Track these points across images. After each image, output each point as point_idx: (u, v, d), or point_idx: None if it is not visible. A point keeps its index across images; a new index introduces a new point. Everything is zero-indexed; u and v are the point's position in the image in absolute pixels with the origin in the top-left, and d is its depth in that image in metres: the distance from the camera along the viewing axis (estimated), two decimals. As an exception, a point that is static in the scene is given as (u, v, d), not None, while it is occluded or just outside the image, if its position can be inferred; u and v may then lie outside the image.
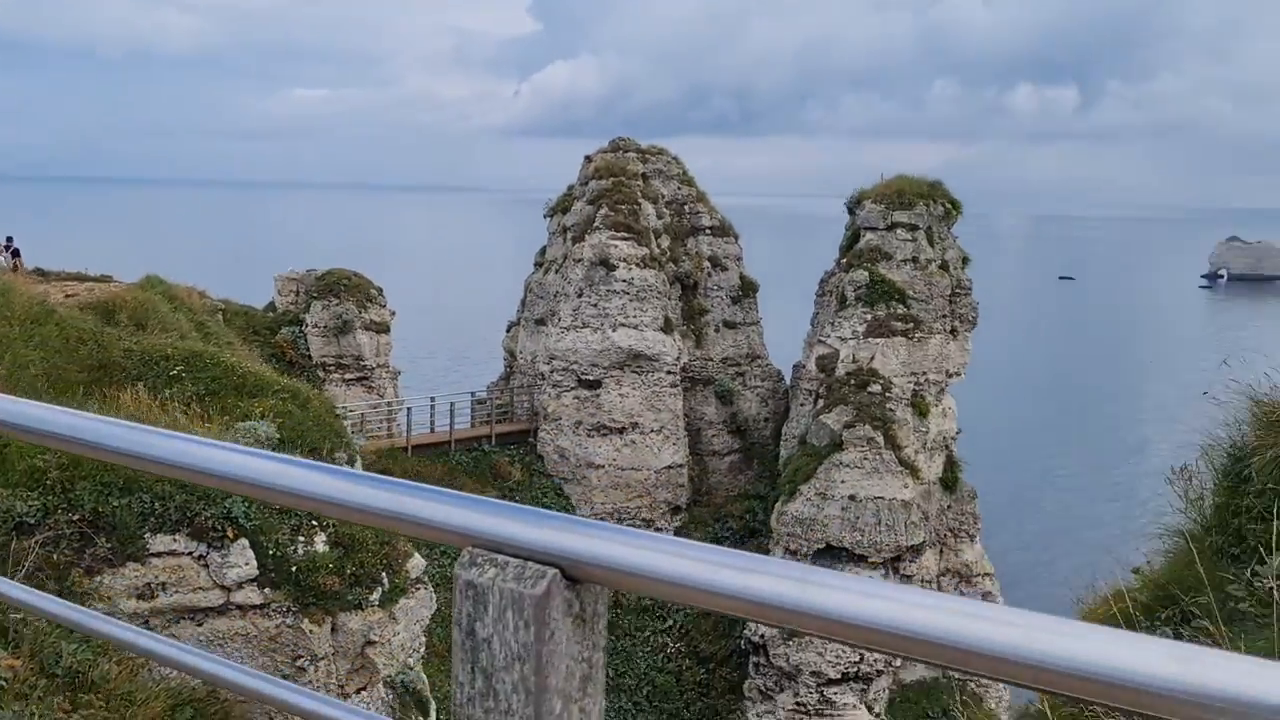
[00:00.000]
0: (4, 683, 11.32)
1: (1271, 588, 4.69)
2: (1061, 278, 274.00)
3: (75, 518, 13.94)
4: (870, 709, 37.24)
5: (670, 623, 40.46)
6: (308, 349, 40.73)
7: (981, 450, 56.78)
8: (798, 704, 36.89)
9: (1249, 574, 5.13)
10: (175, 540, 14.41)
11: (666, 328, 42.01)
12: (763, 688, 37.96)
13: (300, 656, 14.74)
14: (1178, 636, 5.27)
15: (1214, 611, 4.99)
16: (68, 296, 30.45)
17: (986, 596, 41.81)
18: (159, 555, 14.31)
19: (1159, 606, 5.51)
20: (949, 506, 42.06)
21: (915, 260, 40.80)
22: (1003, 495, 70.96)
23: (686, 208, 46.02)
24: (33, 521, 14.10)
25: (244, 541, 14.62)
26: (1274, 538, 4.72)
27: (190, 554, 14.50)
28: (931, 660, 1.15)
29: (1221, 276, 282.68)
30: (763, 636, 37.42)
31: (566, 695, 1.31)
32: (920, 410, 39.74)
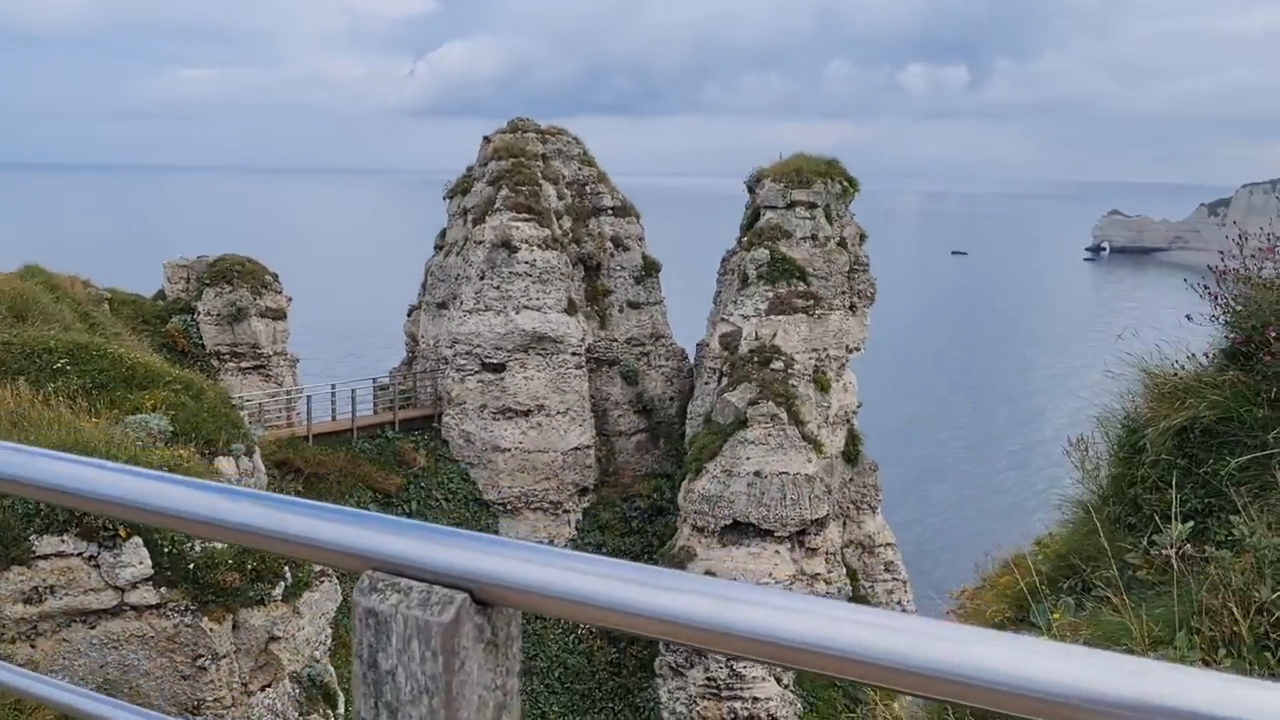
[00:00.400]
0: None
1: (1168, 555, 4.82)
2: (954, 253, 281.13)
3: (-46, 521, 13.29)
4: (779, 680, 37.84)
5: (580, 604, 40.44)
6: (200, 338, 39.54)
7: (881, 424, 58.04)
8: (708, 679, 37.28)
9: (1145, 543, 5.27)
10: (63, 541, 13.84)
11: (570, 309, 41.83)
12: (673, 664, 38.25)
13: (201, 656, 14.32)
14: (1079, 606, 5.39)
15: (1115, 581, 5.11)
16: (-61, 288, 28.99)
17: (889, 566, 42.82)
18: (46, 557, 13.72)
19: (1061, 576, 5.63)
20: (851, 479, 42.86)
21: (814, 238, 41.30)
22: (903, 467, 72.66)
23: (588, 188, 45.81)
24: (-93, 527, 13.40)
25: (137, 540, 14.11)
26: (1172, 507, 4.85)
27: (80, 555, 13.95)
28: (870, 682, 1.08)
29: (1104, 249, 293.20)
30: (672, 614, 37.65)
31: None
32: (822, 386, 40.32)
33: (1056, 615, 5.31)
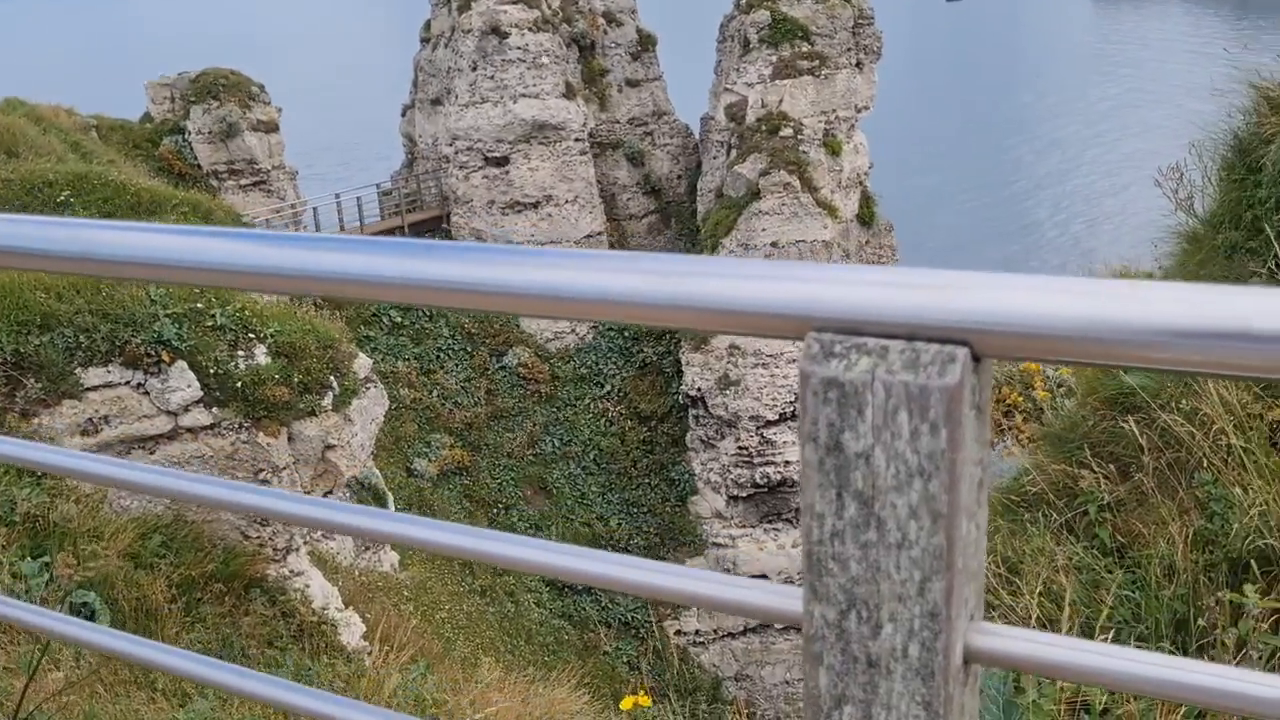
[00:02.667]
0: (-39, 537, 10.95)
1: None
2: (948, 0, 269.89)
3: (-3, 361, 13.22)
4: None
5: (608, 388, 41.08)
6: (195, 158, 38.60)
7: (892, 181, 57.21)
8: (740, 448, 38.22)
9: (1273, 265, 5.03)
10: (109, 371, 13.80)
11: (569, 94, 40.52)
12: (704, 438, 39.15)
13: (261, 470, 14.52)
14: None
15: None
16: (-77, 129, 28.09)
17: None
18: (95, 389, 13.72)
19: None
20: (867, 242, 42.54)
21: (816, -7, 39.44)
22: (918, 227, 72.14)
23: (573, -38, 43.50)
24: (-51, 371, 13.35)
25: (182, 364, 14.06)
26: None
27: (128, 383, 13.93)
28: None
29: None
30: (699, 390, 38.26)
31: (969, 510, 0.98)
32: (833, 150, 39.43)
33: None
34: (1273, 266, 5.22)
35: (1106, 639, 3.91)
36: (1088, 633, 4.22)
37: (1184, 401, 4.24)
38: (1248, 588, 3.10)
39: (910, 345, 0.96)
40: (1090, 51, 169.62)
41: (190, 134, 38.51)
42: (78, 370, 13.68)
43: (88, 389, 13.68)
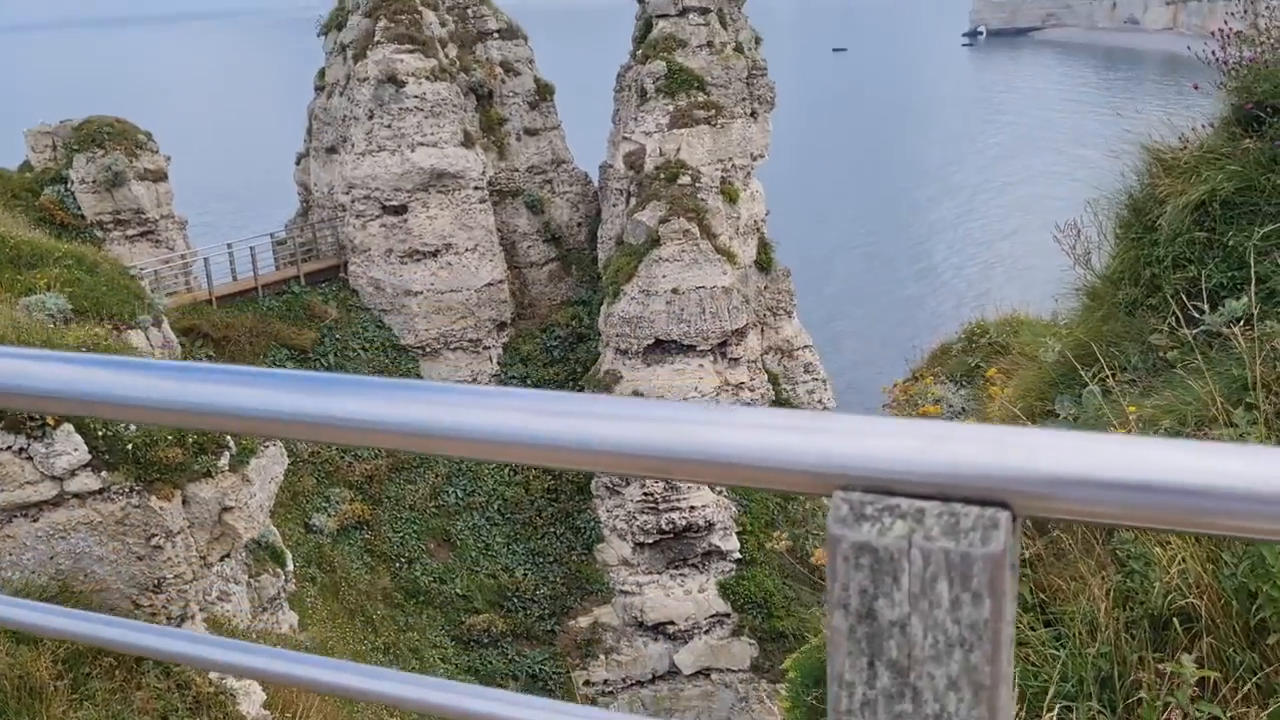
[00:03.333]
0: None
1: (1201, 334, 4.74)
2: (835, 49, 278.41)
3: None
4: (712, 487, 38.94)
5: (511, 437, 40.66)
6: (79, 208, 37.29)
7: (788, 229, 58.27)
8: (645, 494, 38.14)
9: (1169, 324, 5.21)
10: (-11, 437, 13.12)
11: (467, 142, 40.40)
12: (609, 484, 39.00)
13: (154, 535, 13.94)
14: (1105, 393, 5.34)
15: (1139, 364, 5.05)
16: None
17: (808, 368, 43.79)
18: (-27, 456, 13.02)
19: (1076, 364, 5.57)
20: (765, 287, 43.19)
21: (710, 45, 40.17)
22: (813, 270, 73.55)
23: (470, 11, 43.57)
24: None
25: (68, 427, 13.46)
26: (1200, 282, 4.74)
27: (9, 448, 13.27)
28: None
29: (980, 33, 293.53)
30: (604, 437, 38.14)
31: (1009, 678, 0.94)
32: (730, 197, 40.04)
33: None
34: (1172, 323, 5.40)
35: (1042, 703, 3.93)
36: (1019, 693, 4.24)
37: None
38: (1185, 658, 3.15)
39: (947, 508, 0.91)
40: (971, 97, 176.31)
41: (74, 183, 37.23)
42: (-46, 436, 12.99)
43: (-35, 456, 12.98)
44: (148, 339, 21.71)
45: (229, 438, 14.74)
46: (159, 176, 38.69)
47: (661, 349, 37.76)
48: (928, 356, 22.22)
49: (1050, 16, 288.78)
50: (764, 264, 42.89)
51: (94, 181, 37.18)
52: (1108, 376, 5.40)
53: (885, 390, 21.76)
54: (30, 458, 13.46)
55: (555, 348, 42.56)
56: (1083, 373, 5.49)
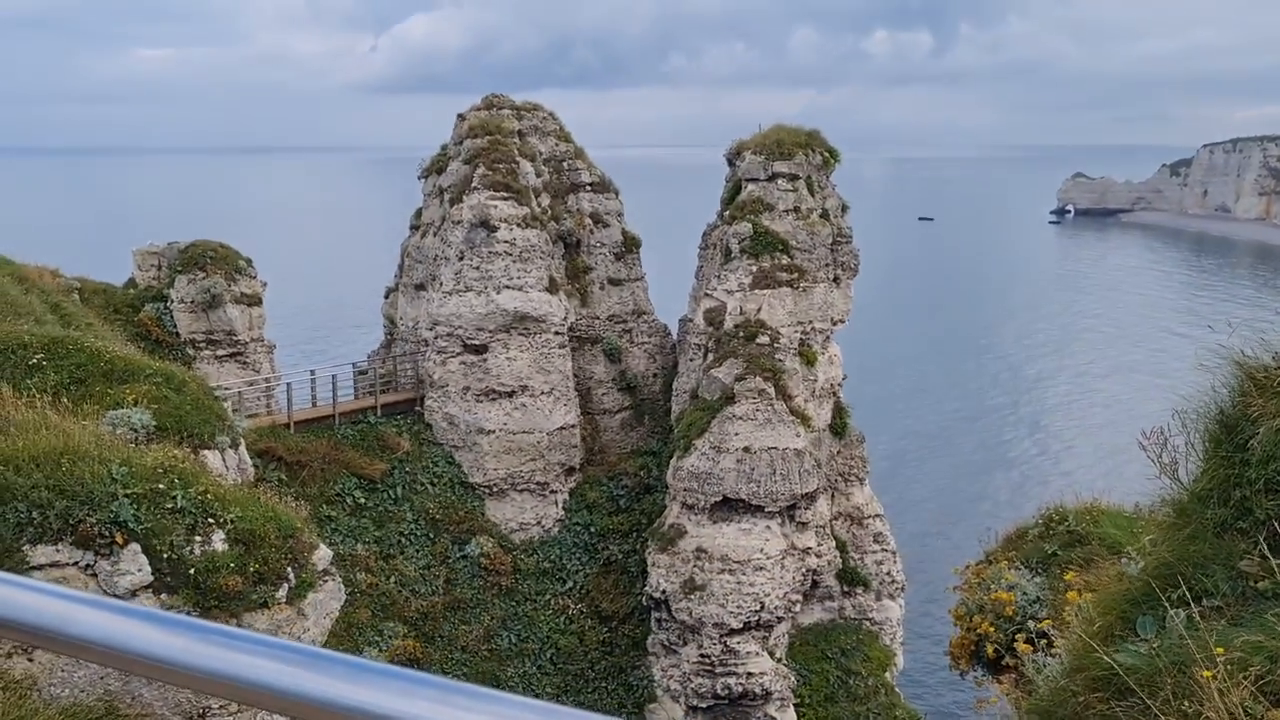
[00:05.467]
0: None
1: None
2: (921, 218, 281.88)
3: (-58, 534, 12.73)
4: (772, 654, 37.77)
5: (570, 584, 40.22)
6: (175, 326, 38.71)
7: (865, 395, 57.98)
8: (702, 655, 37.15)
9: (1260, 551, 4.96)
10: (58, 550, 13.30)
11: (551, 288, 41.29)
12: (666, 642, 38.11)
13: (204, 663, 13.83)
14: (1189, 621, 5.07)
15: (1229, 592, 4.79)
16: (-96, 283, 28.09)
17: (878, 537, 42.82)
18: (40, 568, 13.18)
19: (1166, 582, 5.32)
20: (838, 452, 42.72)
21: (797, 210, 40.91)
22: (890, 437, 72.71)
23: (565, 164, 45.14)
24: (-107, 541, 12.82)
25: (135, 546, 13.59)
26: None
27: (76, 564, 13.41)
28: None
29: (1069, 211, 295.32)
30: (664, 592, 37.49)
31: None
32: (808, 359, 40.08)
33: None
34: (1264, 550, 5.14)
35: None
36: None
37: (1185, 703, 4.06)
38: None
39: None
40: (1056, 274, 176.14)
41: (173, 302, 38.74)
42: (26, 547, 13.19)
43: (33, 567, 13.14)
44: (224, 460, 22.06)
45: (289, 570, 14.75)
46: (254, 301, 40.09)
47: (729, 507, 37.32)
48: (1002, 539, 21.58)
49: (1140, 200, 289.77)
50: (838, 428, 42.53)
51: (192, 302, 38.64)
52: (1192, 601, 5.14)
53: (957, 571, 21.12)
54: (95, 574, 13.58)
55: (622, 496, 42.33)
56: (1166, 597, 5.23)
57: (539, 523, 40.97)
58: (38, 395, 18.41)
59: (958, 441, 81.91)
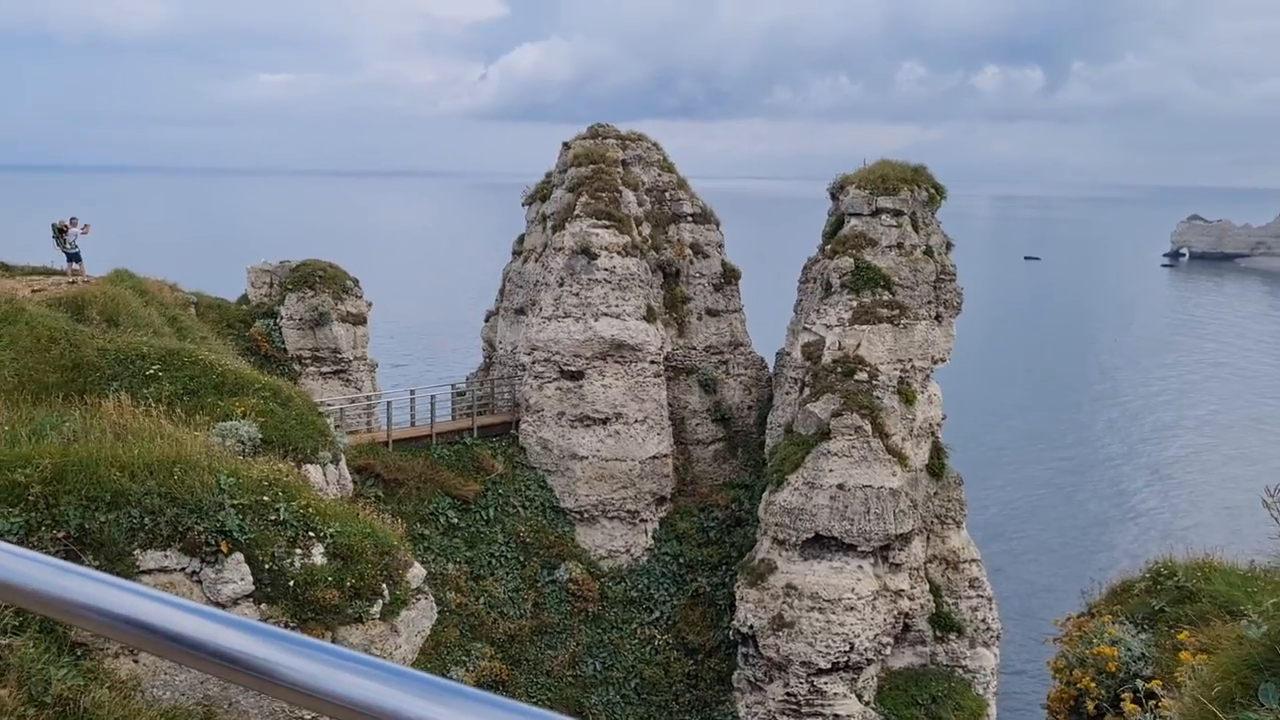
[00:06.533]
0: (-10, 713, 10.66)
1: None
2: (1027, 258, 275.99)
3: (60, 535, 13.23)
4: (860, 697, 37.01)
5: (657, 614, 40.05)
6: (283, 342, 39.83)
7: (965, 435, 56.79)
8: (788, 694, 36.59)
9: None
10: (167, 556, 13.73)
11: (649, 317, 41.43)
12: (752, 678, 37.63)
13: (299, 674, 14.10)
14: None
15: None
16: (35, 292, 29.46)
17: (974, 583, 41.74)
18: (149, 573, 13.61)
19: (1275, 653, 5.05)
20: (935, 493, 41.84)
21: (900, 246, 40.40)
22: (988, 481, 71.03)
23: (667, 194, 45.38)
24: (14, 540, 13.37)
25: (239, 556, 13.96)
26: None
27: (182, 570, 13.82)
28: None
29: (1183, 255, 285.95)
30: (751, 628, 37.07)
31: None
32: (906, 397, 39.41)
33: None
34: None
35: None
36: None
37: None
38: None
39: None
40: (1169, 320, 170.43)
41: (282, 319, 39.88)
42: (136, 552, 13.64)
43: (142, 571, 13.57)
44: (325, 475, 22.55)
45: (384, 586, 14.97)
46: (359, 320, 41.05)
47: (821, 544, 36.80)
48: (1107, 591, 20.82)
49: (1260, 245, 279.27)
50: (936, 469, 41.68)
51: (300, 319, 39.74)
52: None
53: (1057, 622, 20.43)
54: (200, 581, 13.97)
55: (712, 528, 42.07)
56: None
57: (628, 551, 40.94)
58: (153, 404, 19.07)
59: (1068, 490, 79.43)
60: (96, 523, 13.29)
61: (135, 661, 13.71)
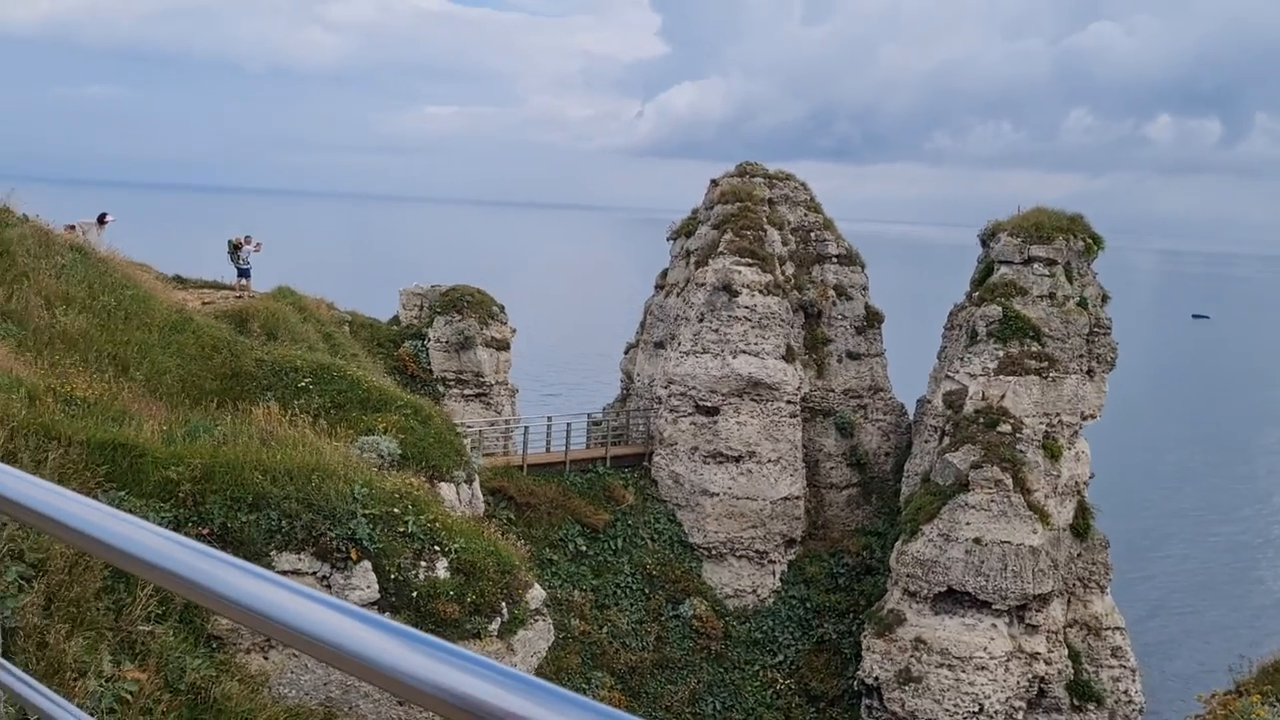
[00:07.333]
0: (129, 695, 11.26)
1: None
2: (1195, 316, 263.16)
3: (205, 531, 13.94)
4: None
5: (781, 658, 39.47)
6: (429, 363, 41.07)
7: (1113, 495, 54.34)
8: (911, 752, 35.48)
9: None
10: (300, 559, 14.31)
11: (788, 356, 41.16)
12: (875, 732, 36.65)
13: (417, 684, 14.46)
14: None
15: None
16: (204, 305, 31.25)
17: (1116, 652, 39.78)
18: (283, 574, 14.20)
19: None
20: (1079, 555, 40.14)
21: (1052, 296, 39.15)
22: (1136, 545, 67.71)
23: (813, 235, 45.14)
24: (163, 533, 14.16)
25: (367, 564, 14.44)
26: None
27: (314, 574, 14.37)
28: None
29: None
30: (877, 679, 36.15)
31: None
32: (1052, 453, 38.02)
33: None
34: None
35: None
36: None
37: None
38: None
39: None
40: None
41: (430, 341, 41.17)
42: (273, 552, 14.26)
43: (277, 572, 14.18)
44: (457, 493, 23.11)
45: (503, 604, 15.23)
46: (502, 346, 42.06)
47: (954, 599, 35.71)
48: (1258, 669, 19.60)
49: None
50: (1080, 530, 40.00)
51: (446, 342, 40.95)
52: None
53: (1201, 699, 19.31)
54: (329, 586, 14.50)
55: (842, 575, 41.30)
56: None
57: (754, 591, 40.54)
58: (302, 415, 19.95)
59: (1226, 565, 75.00)
60: (238, 522, 13.96)
61: (265, 658, 14.29)
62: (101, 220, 31.34)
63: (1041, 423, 37.94)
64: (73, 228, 29.61)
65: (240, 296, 33.36)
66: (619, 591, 38.62)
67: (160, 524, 9.92)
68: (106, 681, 10.90)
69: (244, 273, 34.88)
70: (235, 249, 34.80)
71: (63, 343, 21.08)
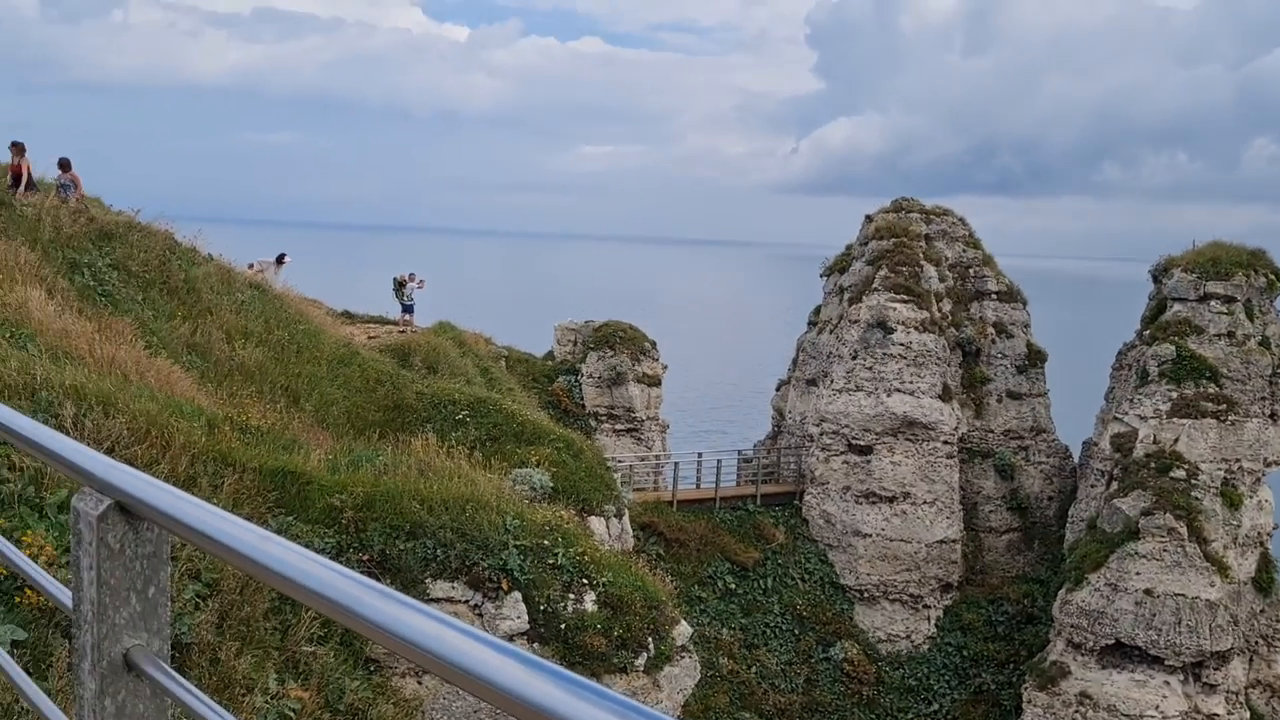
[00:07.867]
0: (292, 713, 11.74)
1: None
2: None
3: (365, 557, 14.45)
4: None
5: (936, 706, 38.19)
6: (582, 398, 41.69)
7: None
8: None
9: None
10: (454, 588, 14.66)
11: (945, 395, 40.10)
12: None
13: (564, 716, 14.58)
14: None
15: None
16: (370, 339, 32.60)
17: (1305, 717, 37.00)
18: (437, 601, 14.57)
19: None
20: (1262, 611, 37.62)
21: (1231, 335, 37.06)
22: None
23: (971, 271, 44.01)
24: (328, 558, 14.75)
25: (517, 594, 14.69)
26: None
27: (466, 602, 14.70)
28: None
29: None
30: (1038, 734, 34.57)
31: None
32: (1231, 501, 35.84)
33: None
34: None
35: None
36: None
37: None
38: None
39: None
40: None
41: (582, 376, 41.83)
42: (428, 580, 14.67)
43: (431, 600, 14.56)
44: (607, 527, 23.31)
45: (650, 640, 15.25)
46: (654, 382, 42.37)
47: (1122, 653, 33.92)
48: None
49: None
50: (1263, 584, 37.49)
51: (599, 377, 41.52)
52: None
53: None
54: (481, 615, 14.81)
55: (1001, 623, 39.77)
56: None
57: (908, 636, 39.41)
58: (458, 447, 20.53)
59: None
60: (396, 550, 14.42)
61: (419, 683, 14.67)
62: (280, 260, 33.07)
63: (1219, 469, 35.83)
64: (253, 266, 31.37)
65: (404, 331, 34.63)
66: (768, 631, 38.13)
67: (324, 549, 10.36)
68: (272, 699, 11.39)
69: (408, 308, 36.20)
70: (400, 286, 36.17)
71: (241, 374, 22.32)
